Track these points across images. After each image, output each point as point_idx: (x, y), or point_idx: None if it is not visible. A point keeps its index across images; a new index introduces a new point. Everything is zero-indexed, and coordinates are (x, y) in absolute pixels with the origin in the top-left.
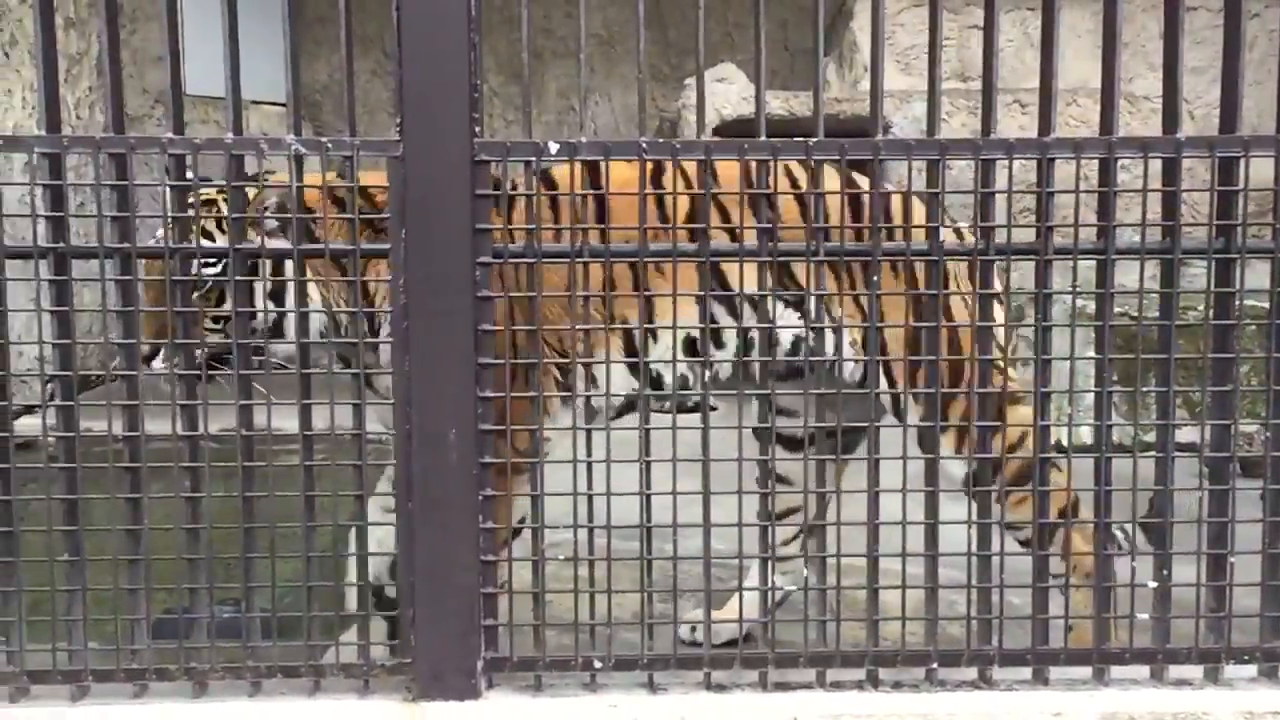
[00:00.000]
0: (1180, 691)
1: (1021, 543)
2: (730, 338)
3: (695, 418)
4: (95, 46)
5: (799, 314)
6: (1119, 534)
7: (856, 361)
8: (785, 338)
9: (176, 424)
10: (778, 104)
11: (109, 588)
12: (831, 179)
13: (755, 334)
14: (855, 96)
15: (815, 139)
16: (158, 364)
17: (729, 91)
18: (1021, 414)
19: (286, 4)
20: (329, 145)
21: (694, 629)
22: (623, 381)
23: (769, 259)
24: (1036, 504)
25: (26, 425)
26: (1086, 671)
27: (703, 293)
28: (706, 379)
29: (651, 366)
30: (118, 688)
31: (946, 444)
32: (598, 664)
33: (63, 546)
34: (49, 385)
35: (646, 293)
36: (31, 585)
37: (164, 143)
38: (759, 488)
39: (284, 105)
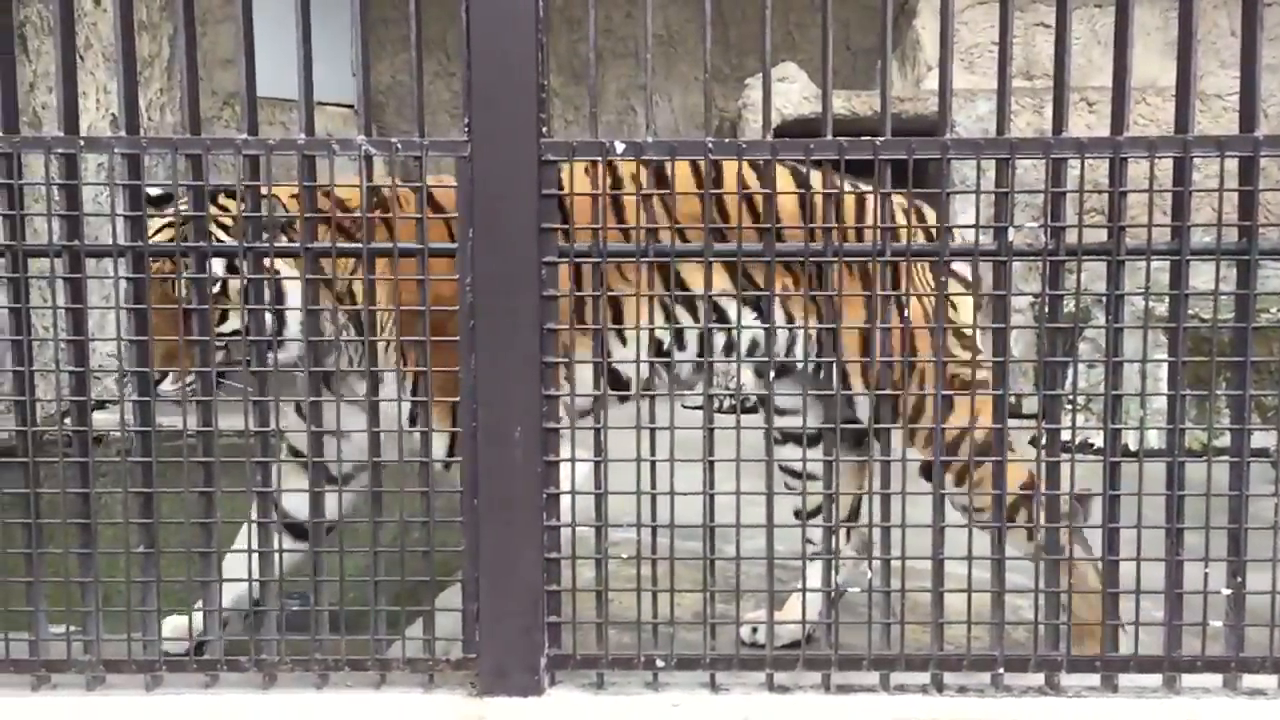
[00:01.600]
0: (1254, 701)
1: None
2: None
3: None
4: (166, 50)
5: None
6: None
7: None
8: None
9: (249, 420)
10: (840, 103)
11: (181, 579)
12: (785, 180)
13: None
14: (918, 95)
15: (882, 138)
16: (166, 386)
17: (790, 91)
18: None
19: (357, 6)
20: (398, 146)
21: (755, 630)
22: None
23: (834, 260)
24: (1107, 506)
25: (98, 421)
26: (1157, 679)
27: (771, 293)
28: (772, 378)
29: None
30: (190, 677)
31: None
32: (660, 663)
33: (137, 540)
34: (124, 380)
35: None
36: (107, 577)
37: (238, 144)
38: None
39: (345, 106)
